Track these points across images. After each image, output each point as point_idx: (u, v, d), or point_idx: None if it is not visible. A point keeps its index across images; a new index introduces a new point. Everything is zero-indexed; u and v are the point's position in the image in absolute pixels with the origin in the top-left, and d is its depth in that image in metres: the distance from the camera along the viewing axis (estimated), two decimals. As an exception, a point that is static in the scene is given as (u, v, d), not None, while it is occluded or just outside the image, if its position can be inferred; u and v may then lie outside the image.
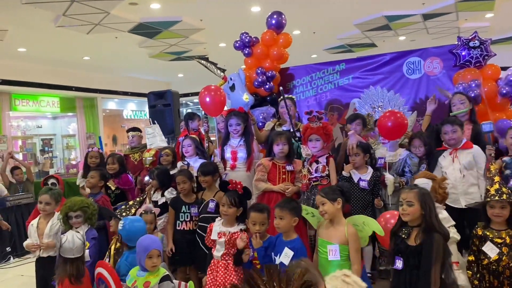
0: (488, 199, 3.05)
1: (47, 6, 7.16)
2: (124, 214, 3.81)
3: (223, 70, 5.66)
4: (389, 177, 3.89)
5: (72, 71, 12.30)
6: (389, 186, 3.86)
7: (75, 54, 10.78)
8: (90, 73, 12.87)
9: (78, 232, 3.29)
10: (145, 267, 2.87)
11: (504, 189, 3.05)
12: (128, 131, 5.99)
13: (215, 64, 5.73)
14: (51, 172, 11.85)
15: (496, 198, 3.01)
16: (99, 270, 3.12)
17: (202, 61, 5.85)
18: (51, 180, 4.82)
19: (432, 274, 2.47)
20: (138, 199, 4.14)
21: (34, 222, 3.75)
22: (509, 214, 3.04)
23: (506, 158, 3.70)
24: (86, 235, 3.58)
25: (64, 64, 11.72)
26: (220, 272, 3.21)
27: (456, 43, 4.92)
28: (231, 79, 5.43)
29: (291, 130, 4.57)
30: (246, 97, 5.15)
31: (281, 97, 4.79)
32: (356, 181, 3.88)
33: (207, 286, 3.23)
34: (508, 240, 2.98)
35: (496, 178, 3.16)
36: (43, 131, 13.62)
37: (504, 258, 2.97)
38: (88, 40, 9.40)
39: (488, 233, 3.05)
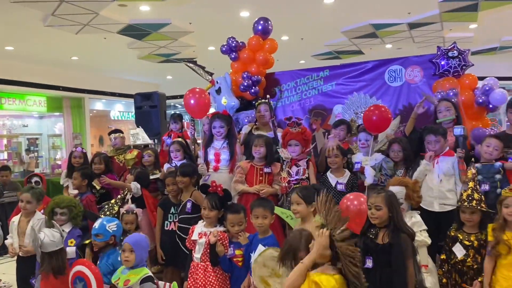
0: (460, 204, 3.20)
1: (36, 6, 7.17)
2: (108, 213, 3.87)
3: (211, 74, 5.73)
4: (369, 169, 3.98)
5: (60, 71, 12.25)
6: (368, 177, 3.93)
7: (63, 54, 10.75)
8: (78, 73, 12.82)
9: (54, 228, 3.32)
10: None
11: (475, 195, 3.20)
12: (109, 133, 6.05)
13: (203, 68, 5.80)
14: (36, 171, 11.79)
15: (465, 204, 3.16)
16: (78, 268, 3.11)
17: (190, 64, 5.92)
18: (35, 178, 4.84)
19: (408, 270, 2.60)
20: (119, 196, 4.17)
21: (15, 219, 3.79)
22: (480, 218, 3.19)
23: (478, 165, 3.84)
24: (71, 233, 3.65)
25: (52, 64, 11.67)
26: (199, 275, 3.28)
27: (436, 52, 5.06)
28: (217, 82, 5.52)
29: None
30: (225, 101, 5.26)
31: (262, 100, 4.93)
32: (333, 184, 3.95)
33: None
34: (475, 244, 3.12)
35: (471, 184, 3.30)
36: (29, 130, 13.52)
37: (468, 259, 3.13)
38: (76, 40, 9.39)
39: (459, 235, 3.22)
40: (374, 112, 4.15)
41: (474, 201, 3.17)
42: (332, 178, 4.00)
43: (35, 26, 8.26)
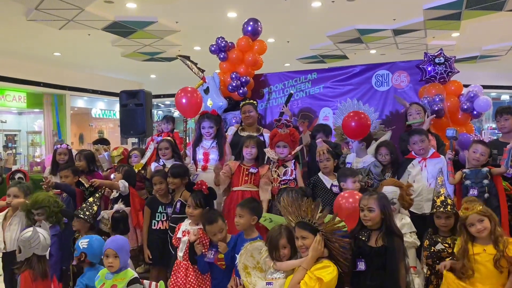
0: (435, 210, 3.26)
1: (19, -1, 7.04)
2: (87, 213, 3.77)
3: (203, 71, 5.68)
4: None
5: (41, 67, 12.04)
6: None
7: (46, 49, 10.57)
8: (60, 69, 12.62)
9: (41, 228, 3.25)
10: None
11: (449, 201, 3.29)
12: (95, 142, 5.89)
13: (195, 64, 5.75)
14: (14, 168, 11.52)
15: (441, 209, 3.23)
16: None
17: (183, 59, 5.85)
18: (18, 175, 4.74)
19: (400, 273, 2.63)
20: (97, 195, 4.05)
21: (1, 214, 3.74)
22: (454, 222, 3.25)
23: (466, 170, 3.91)
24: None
25: (33, 59, 11.46)
26: (181, 273, 3.28)
27: (423, 58, 5.14)
28: (205, 81, 5.50)
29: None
30: (210, 103, 5.24)
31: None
32: (329, 187, 3.94)
33: None
34: (452, 245, 3.16)
35: (442, 190, 3.37)
36: (7, 126, 13.26)
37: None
38: (60, 36, 9.25)
39: (438, 239, 3.26)
40: (353, 118, 4.20)
41: (449, 206, 3.25)
42: (326, 180, 3.97)
43: (17, 20, 8.10)
